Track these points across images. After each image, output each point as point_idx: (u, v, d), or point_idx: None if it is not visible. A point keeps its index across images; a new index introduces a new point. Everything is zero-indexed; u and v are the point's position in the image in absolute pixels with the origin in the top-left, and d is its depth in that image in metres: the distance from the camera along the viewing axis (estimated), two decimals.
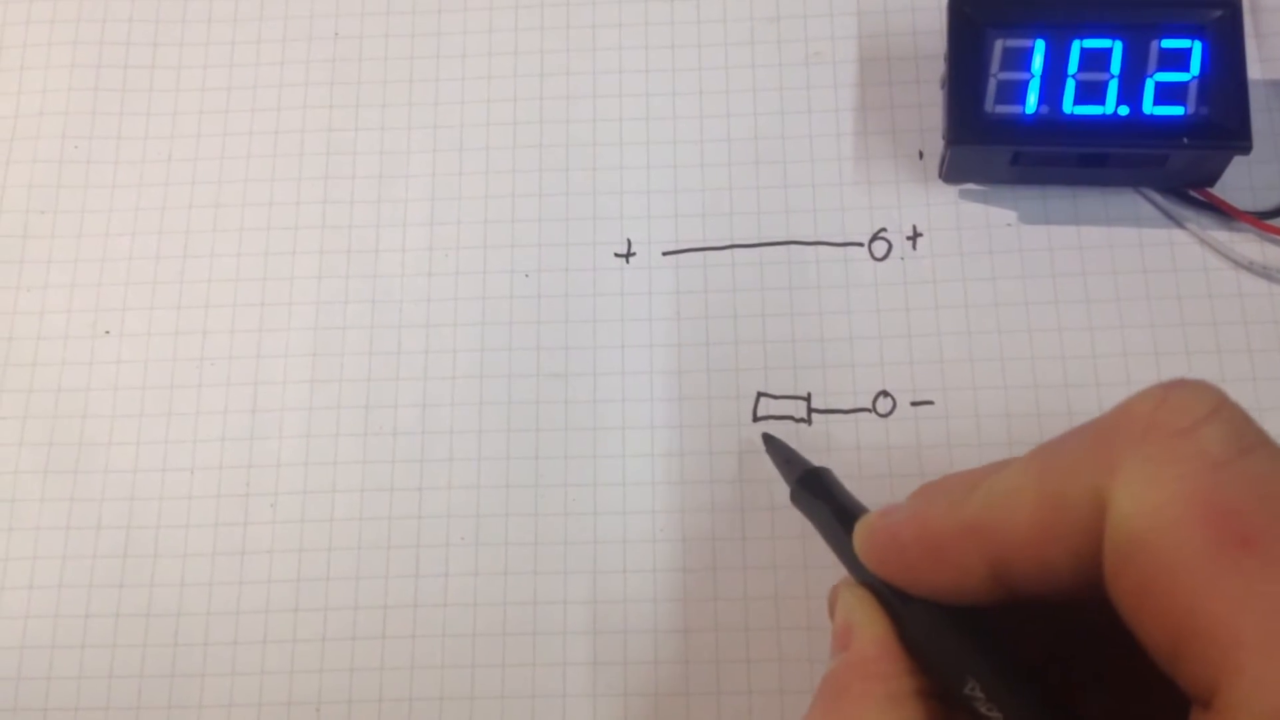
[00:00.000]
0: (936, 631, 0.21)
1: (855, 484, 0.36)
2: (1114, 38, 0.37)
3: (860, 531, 0.22)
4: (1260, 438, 0.16)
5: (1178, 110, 0.37)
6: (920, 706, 0.20)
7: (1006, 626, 0.20)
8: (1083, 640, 0.19)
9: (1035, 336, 0.38)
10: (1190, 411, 0.16)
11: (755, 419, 0.39)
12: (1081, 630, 0.19)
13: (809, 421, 0.38)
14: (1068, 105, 0.37)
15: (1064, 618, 0.20)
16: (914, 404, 0.38)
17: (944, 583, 0.20)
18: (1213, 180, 0.38)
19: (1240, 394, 0.37)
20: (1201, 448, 0.16)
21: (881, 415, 0.38)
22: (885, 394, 0.38)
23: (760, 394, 0.39)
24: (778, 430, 0.38)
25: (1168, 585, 0.15)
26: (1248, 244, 0.39)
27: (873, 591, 0.22)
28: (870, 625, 0.21)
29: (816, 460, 0.34)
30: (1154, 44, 0.37)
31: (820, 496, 0.30)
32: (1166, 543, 0.15)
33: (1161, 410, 0.16)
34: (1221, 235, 0.39)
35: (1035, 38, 0.37)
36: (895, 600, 0.22)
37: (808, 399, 0.39)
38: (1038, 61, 0.37)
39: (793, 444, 0.36)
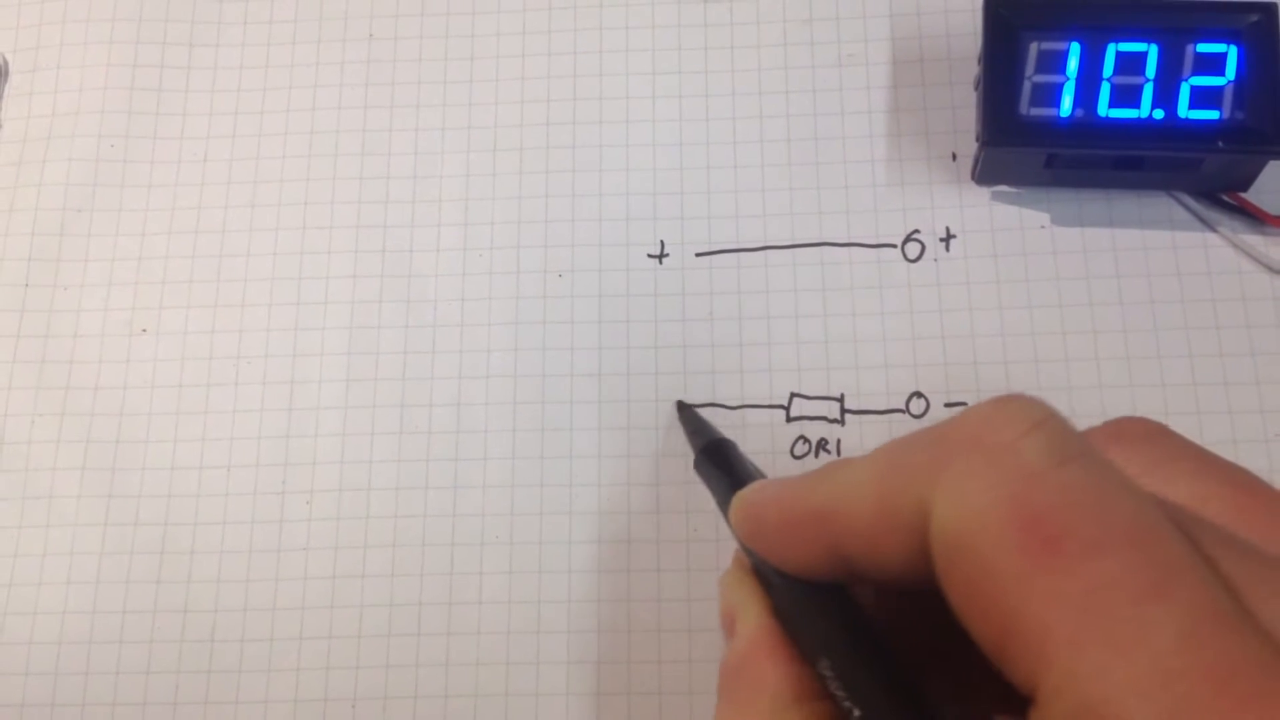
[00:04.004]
0: (798, 609, 0.21)
1: None
2: (1149, 41, 0.37)
3: (734, 504, 0.23)
4: (1079, 451, 0.16)
5: (1213, 114, 0.37)
6: (810, 686, 0.20)
7: (899, 611, 0.20)
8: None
9: (1069, 339, 0.38)
10: (1014, 425, 0.17)
11: (789, 419, 0.39)
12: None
13: (842, 422, 0.39)
14: (1102, 108, 0.37)
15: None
16: (947, 405, 0.38)
17: (797, 561, 0.20)
18: (1247, 185, 0.38)
19: (1277, 396, 0.37)
20: (1019, 459, 0.16)
21: (915, 416, 0.38)
22: (919, 395, 0.39)
23: (794, 394, 0.39)
24: (812, 430, 0.38)
25: (987, 588, 0.16)
26: None
27: (755, 565, 0.23)
28: (749, 608, 0.22)
29: None
30: (1189, 48, 0.37)
31: (720, 468, 0.30)
32: (983, 547, 0.16)
33: (987, 425, 0.17)
34: (1255, 239, 0.39)
35: (1070, 41, 0.38)
36: (770, 575, 0.22)
37: (841, 400, 0.39)
38: (1073, 64, 0.37)
39: (828, 445, 0.36)
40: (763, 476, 0.29)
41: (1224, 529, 0.16)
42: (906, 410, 0.38)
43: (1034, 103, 0.38)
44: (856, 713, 0.18)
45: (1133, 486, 0.16)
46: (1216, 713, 0.13)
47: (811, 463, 0.38)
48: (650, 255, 0.41)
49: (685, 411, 0.37)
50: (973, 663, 0.17)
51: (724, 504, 0.28)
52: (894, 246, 0.40)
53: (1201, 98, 0.37)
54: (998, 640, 0.16)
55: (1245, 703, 0.13)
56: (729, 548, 0.37)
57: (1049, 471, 0.16)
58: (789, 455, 0.38)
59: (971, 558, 0.16)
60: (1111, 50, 0.37)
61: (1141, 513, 0.15)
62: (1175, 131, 0.37)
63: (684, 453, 0.38)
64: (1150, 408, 0.37)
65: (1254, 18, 0.37)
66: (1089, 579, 0.15)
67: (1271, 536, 0.18)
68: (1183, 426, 0.37)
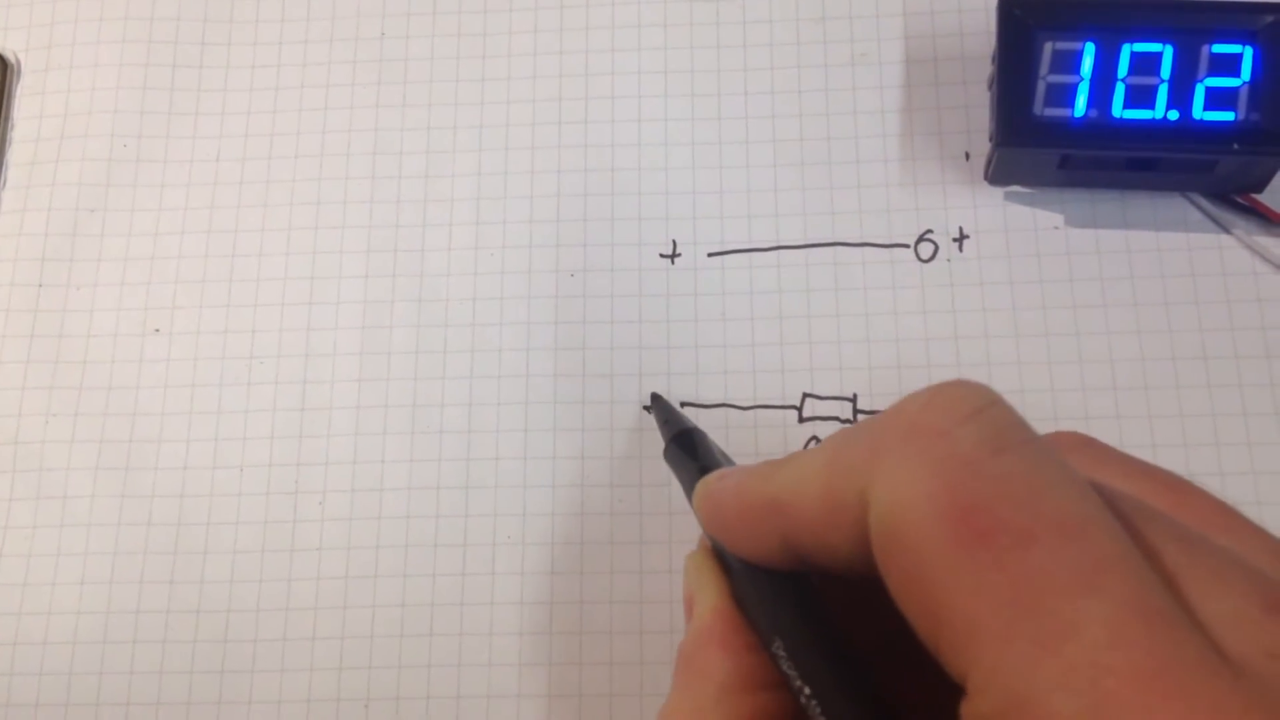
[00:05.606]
0: (754, 593, 0.21)
1: None
2: (1164, 42, 0.37)
3: (697, 492, 0.23)
4: (1018, 438, 0.16)
5: (1228, 116, 0.37)
6: (759, 675, 0.21)
7: (856, 601, 0.21)
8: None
9: (1083, 340, 0.38)
10: (952, 412, 0.17)
11: (801, 420, 0.39)
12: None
13: (855, 422, 0.38)
14: (1117, 109, 0.37)
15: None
16: None
17: (753, 549, 0.21)
18: (1261, 186, 0.38)
19: None
20: (955, 448, 0.16)
21: None
22: None
23: (807, 395, 0.39)
24: (825, 431, 0.38)
25: (921, 579, 0.16)
26: None
27: (716, 550, 0.23)
28: (706, 592, 0.22)
29: None
30: (1205, 49, 0.37)
31: (689, 455, 0.31)
32: (916, 538, 0.16)
33: (926, 411, 0.17)
34: (1270, 241, 0.39)
35: (1085, 41, 0.37)
36: (730, 560, 0.22)
37: (853, 400, 0.39)
38: (1087, 65, 0.37)
39: None
40: (730, 464, 0.30)
41: (1172, 520, 0.16)
42: None
43: (1048, 103, 0.37)
44: (807, 690, 0.19)
45: (1071, 476, 0.16)
46: (1141, 709, 0.13)
47: None
48: (663, 255, 0.41)
49: (658, 402, 0.38)
50: (923, 653, 0.17)
51: (690, 491, 0.29)
52: (907, 247, 0.40)
53: (1216, 99, 0.37)
54: (931, 631, 0.16)
55: (1170, 700, 0.13)
56: None
57: (984, 460, 0.16)
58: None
59: (905, 548, 0.16)
60: (1126, 51, 0.37)
61: (1076, 503, 0.15)
62: (1190, 133, 0.37)
63: None
64: (1165, 410, 0.37)
65: (1270, 19, 0.36)
66: (1018, 571, 0.15)
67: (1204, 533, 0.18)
68: (1198, 430, 0.37)
